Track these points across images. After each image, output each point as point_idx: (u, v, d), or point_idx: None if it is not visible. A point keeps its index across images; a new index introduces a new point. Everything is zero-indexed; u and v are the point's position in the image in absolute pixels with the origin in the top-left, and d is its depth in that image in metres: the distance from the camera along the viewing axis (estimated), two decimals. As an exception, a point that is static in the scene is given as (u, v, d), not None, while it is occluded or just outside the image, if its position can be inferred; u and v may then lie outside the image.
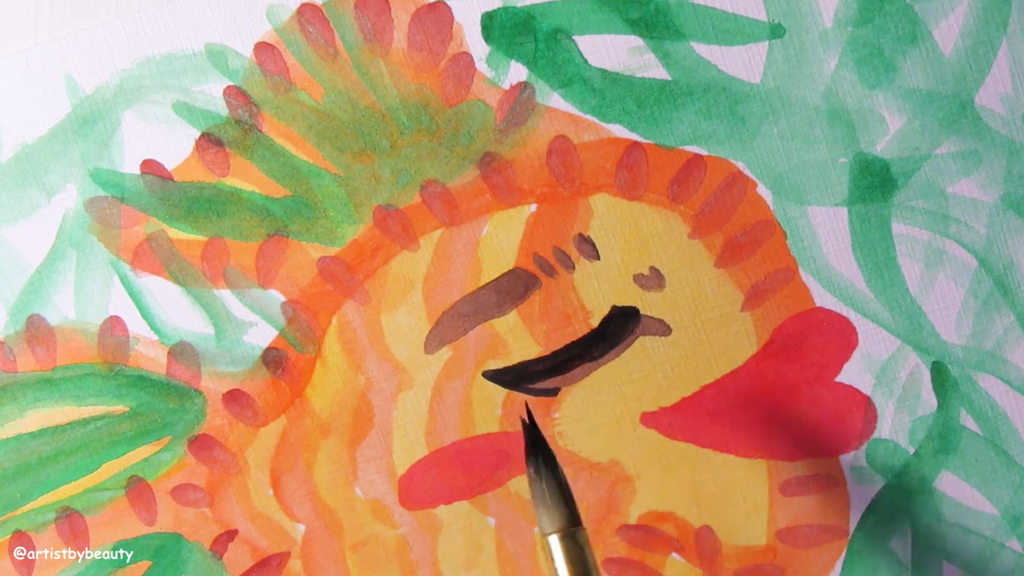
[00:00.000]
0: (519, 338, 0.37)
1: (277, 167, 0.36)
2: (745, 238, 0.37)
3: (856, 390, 0.37)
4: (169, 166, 0.36)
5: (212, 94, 0.36)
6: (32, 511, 0.37)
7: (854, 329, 0.37)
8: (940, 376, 0.37)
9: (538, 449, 0.32)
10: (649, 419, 0.38)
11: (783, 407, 0.37)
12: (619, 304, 0.37)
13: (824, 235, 0.37)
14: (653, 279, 0.37)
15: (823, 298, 0.37)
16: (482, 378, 0.37)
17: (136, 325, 0.37)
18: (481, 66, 0.36)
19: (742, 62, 0.36)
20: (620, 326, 0.37)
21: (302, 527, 0.38)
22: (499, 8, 0.36)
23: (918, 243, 0.37)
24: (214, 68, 0.36)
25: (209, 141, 0.36)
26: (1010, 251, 0.37)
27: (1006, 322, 0.37)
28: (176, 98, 0.36)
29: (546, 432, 0.37)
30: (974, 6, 0.36)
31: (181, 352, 0.37)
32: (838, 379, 0.37)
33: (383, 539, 0.38)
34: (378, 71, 0.36)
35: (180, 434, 0.37)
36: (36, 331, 0.37)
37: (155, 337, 0.37)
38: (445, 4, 0.36)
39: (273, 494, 0.38)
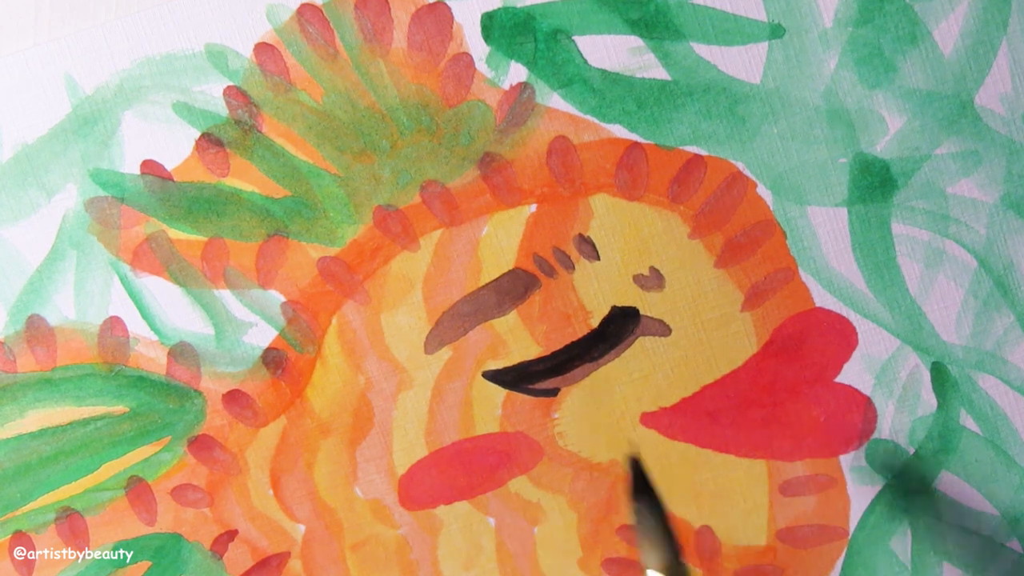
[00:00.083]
0: (519, 338, 0.37)
1: (277, 167, 0.36)
2: (745, 238, 0.37)
3: (856, 390, 0.37)
4: (169, 166, 0.36)
5: (212, 94, 0.36)
6: (32, 511, 0.37)
7: (854, 329, 0.37)
8: (940, 376, 0.37)
9: (645, 487, 0.33)
10: (649, 419, 0.37)
11: (783, 407, 0.37)
12: (619, 304, 0.37)
13: (824, 235, 0.37)
14: (653, 279, 0.37)
15: (823, 298, 0.37)
16: (482, 378, 0.37)
17: (136, 325, 0.37)
18: (481, 66, 0.36)
19: (742, 62, 0.36)
20: (620, 326, 0.37)
21: (302, 527, 0.38)
22: (499, 8, 0.36)
23: (918, 243, 0.37)
24: (214, 68, 0.36)
25: (209, 141, 0.36)
26: (1010, 251, 0.37)
27: (1006, 322, 0.37)
28: (176, 98, 0.36)
29: (546, 432, 0.37)
30: (974, 6, 0.36)
31: (181, 352, 0.37)
32: (838, 379, 0.37)
33: (383, 539, 0.38)
34: (378, 71, 0.36)
35: (180, 434, 0.37)
36: (36, 331, 0.37)
37: (155, 337, 0.37)
38: (445, 4, 0.36)
39: (273, 494, 0.38)
